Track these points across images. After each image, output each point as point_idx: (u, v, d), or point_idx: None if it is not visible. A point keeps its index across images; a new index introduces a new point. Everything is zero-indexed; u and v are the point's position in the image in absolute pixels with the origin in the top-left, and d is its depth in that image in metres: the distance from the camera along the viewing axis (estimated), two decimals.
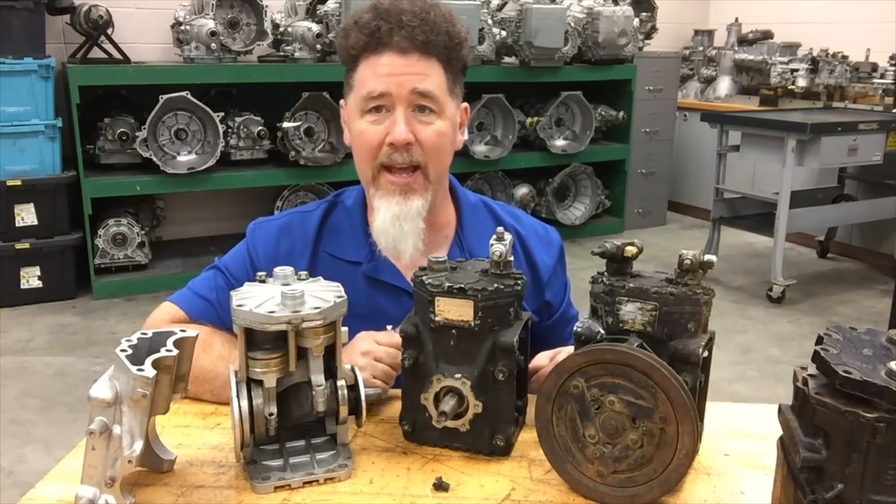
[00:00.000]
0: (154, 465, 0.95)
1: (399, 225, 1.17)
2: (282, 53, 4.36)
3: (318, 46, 4.20)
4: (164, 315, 1.20)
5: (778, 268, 4.19)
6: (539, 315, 1.28)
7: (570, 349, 1.09)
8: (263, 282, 0.97)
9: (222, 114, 4.13)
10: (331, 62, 4.34)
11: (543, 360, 1.15)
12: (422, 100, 1.16)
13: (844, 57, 5.17)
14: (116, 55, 4.07)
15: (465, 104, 1.28)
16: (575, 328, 0.95)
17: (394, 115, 1.15)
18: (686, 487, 0.93)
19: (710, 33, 6.46)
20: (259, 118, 4.24)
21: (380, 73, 1.15)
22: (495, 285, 0.96)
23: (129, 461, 0.84)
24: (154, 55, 4.44)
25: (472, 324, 0.96)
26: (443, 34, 1.16)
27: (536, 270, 1.30)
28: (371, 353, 1.09)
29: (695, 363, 0.90)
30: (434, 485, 0.93)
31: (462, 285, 0.96)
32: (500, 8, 4.93)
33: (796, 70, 5.30)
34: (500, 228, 1.00)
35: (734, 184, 4.77)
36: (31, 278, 3.92)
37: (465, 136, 4.54)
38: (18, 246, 3.84)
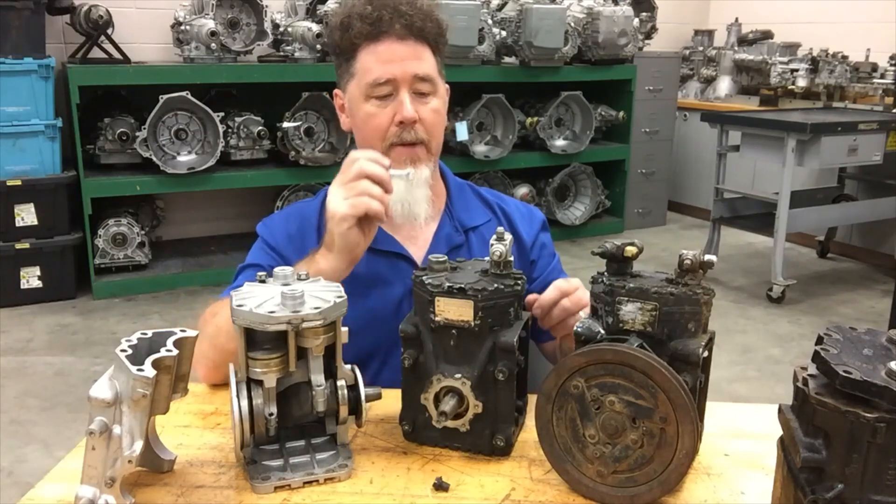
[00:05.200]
0: (154, 465, 0.95)
1: (412, 191, 1.26)
2: (282, 53, 4.36)
3: (318, 46, 4.20)
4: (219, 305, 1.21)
5: (778, 268, 4.19)
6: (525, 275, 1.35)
7: (575, 280, 1.17)
8: (263, 282, 0.97)
9: (222, 114, 4.13)
10: (331, 62, 4.33)
11: (552, 290, 1.16)
12: (421, 84, 1.25)
13: (844, 57, 5.17)
14: (116, 55, 4.07)
15: (447, 85, 1.37)
16: (575, 328, 0.95)
17: (399, 97, 1.24)
18: (686, 487, 0.93)
19: (710, 33, 6.46)
20: (259, 118, 4.24)
21: (383, 59, 1.24)
22: (495, 285, 0.96)
23: (129, 461, 0.84)
24: (154, 55, 4.44)
25: (472, 324, 0.96)
26: (433, 21, 1.27)
27: (520, 240, 1.40)
28: (334, 188, 1.13)
29: (695, 363, 0.90)
30: (434, 485, 0.93)
31: (462, 285, 0.96)
32: (500, 8, 4.93)
33: (796, 70, 5.30)
34: (501, 228, 1.01)
35: (734, 184, 4.77)
36: (31, 278, 3.92)
37: (466, 136, 4.57)
38: (18, 246, 3.84)
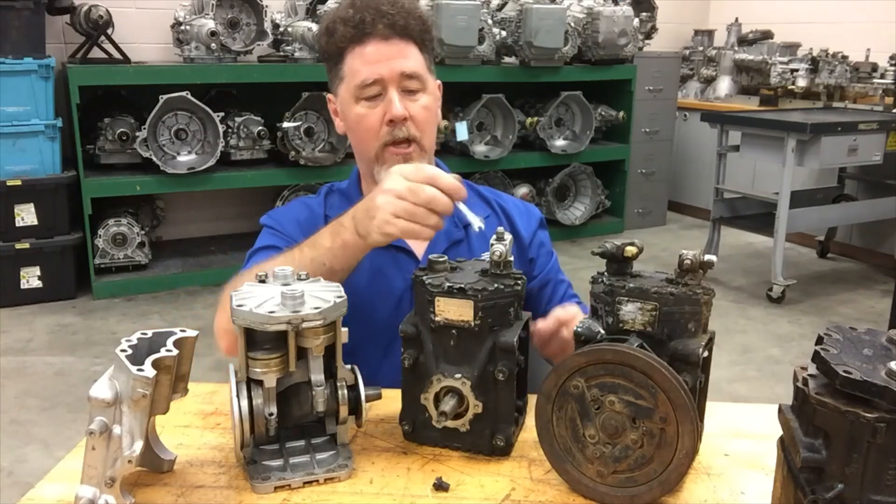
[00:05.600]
0: (154, 465, 0.95)
1: None
2: (282, 53, 4.36)
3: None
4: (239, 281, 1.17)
5: (778, 268, 4.19)
6: (525, 275, 1.36)
7: (573, 308, 1.17)
8: (263, 282, 0.97)
9: (222, 114, 4.13)
10: None
11: (541, 323, 1.17)
12: (409, 81, 1.26)
13: (844, 57, 5.17)
14: (116, 55, 4.07)
15: (439, 81, 1.37)
16: (575, 328, 0.95)
17: (388, 96, 1.25)
18: (686, 487, 0.93)
19: (710, 33, 6.46)
20: (259, 118, 4.24)
21: (369, 60, 1.24)
22: (495, 285, 0.96)
23: (129, 461, 0.84)
24: (154, 55, 4.44)
25: (472, 324, 0.96)
26: (416, 18, 1.27)
27: (516, 231, 1.40)
28: (393, 189, 1.04)
29: (695, 363, 0.90)
30: (434, 485, 0.93)
31: (462, 285, 0.96)
32: (500, 8, 4.93)
33: (796, 70, 5.30)
34: (500, 228, 1.01)
35: (734, 184, 4.77)
36: (31, 278, 3.92)
37: (466, 136, 4.57)
38: (18, 246, 3.84)
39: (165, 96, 3.89)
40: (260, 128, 4.20)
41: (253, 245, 1.34)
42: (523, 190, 5.17)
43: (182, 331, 0.92)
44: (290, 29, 4.33)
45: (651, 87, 5.56)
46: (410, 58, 1.26)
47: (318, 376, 0.93)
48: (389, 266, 1.31)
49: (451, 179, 1.05)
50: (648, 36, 5.81)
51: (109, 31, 4.07)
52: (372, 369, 1.25)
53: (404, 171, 1.06)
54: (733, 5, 6.31)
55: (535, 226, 1.44)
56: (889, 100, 4.87)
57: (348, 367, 0.98)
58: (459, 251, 1.31)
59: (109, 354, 0.90)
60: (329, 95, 1.36)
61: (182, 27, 4.09)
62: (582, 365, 0.88)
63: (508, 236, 1.00)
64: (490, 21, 4.67)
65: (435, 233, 1.05)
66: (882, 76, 4.96)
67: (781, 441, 0.80)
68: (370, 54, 1.24)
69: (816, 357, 0.74)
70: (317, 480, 0.93)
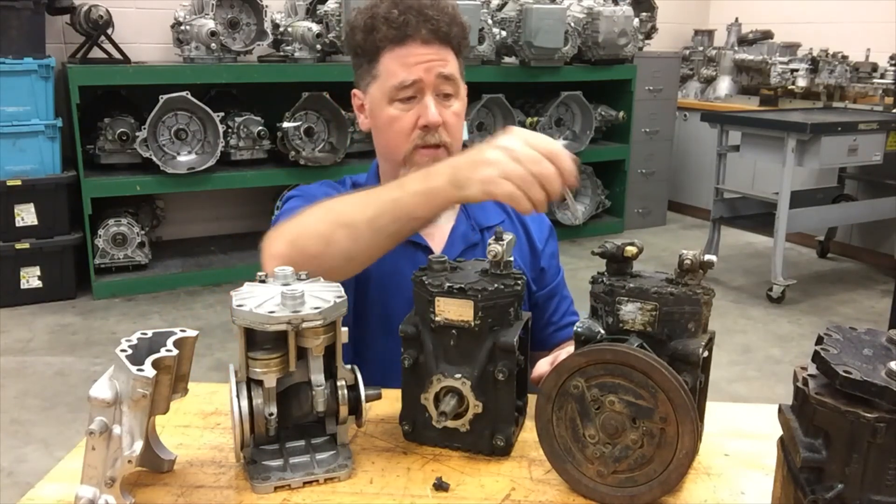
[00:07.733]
0: (154, 465, 0.95)
1: None
2: (282, 53, 4.36)
3: (318, 46, 4.20)
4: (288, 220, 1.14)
5: (778, 268, 4.19)
6: (536, 284, 1.39)
7: (569, 350, 1.11)
8: (263, 282, 0.97)
9: (222, 114, 4.14)
10: (331, 62, 4.34)
11: (545, 366, 1.16)
12: (445, 84, 1.26)
13: (844, 57, 5.17)
14: (116, 55, 4.08)
15: (465, 86, 1.38)
16: (575, 328, 0.95)
17: (424, 101, 1.25)
18: (686, 487, 0.93)
19: (710, 33, 6.46)
20: (259, 118, 4.24)
21: (409, 62, 1.24)
22: (495, 285, 0.96)
23: (129, 461, 0.84)
24: (154, 55, 4.45)
25: (472, 324, 0.96)
26: (458, 25, 1.28)
27: (531, 238, 1.41)
28: (511, 150, 0.96)
29: (695, 363, 0.90)
30: (434, 485, 0.93)
31: (462, 285, 0.96)
32: (500, 8, 4.93)
33: (796, 70, 5.30)
34: (499, 229, 1.01)
35: (734, 184, 4.77)
36: (31, 278, 3.92)
37: (466, 137, 4.56)
38: (18, 246, 3.84)
39: (165, 96, 3.89)
40: (260, 128, 4.20)
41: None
42: None
43: (182, 331, 0.92)
44: (290, 29, 4.33)
45: (651, 87, 5.56)
46: (449, 62, 1.26)
47: (318, 376, 0.93)
48: (406, 262, 1.28)
49: (571, 163, 0.96)
50: (648, 36, 5.81)
51: (109, 31, 4.07)
52: (387, 366, 1.25)
53: (528, 136, 0.98)
54: (733, 5, 6.31)
55: (547, 235, 1.44)
56: (889, 100, 4.87)
57: (348, 367, 0.98)
58: (475, 254, 1.31)
59: (109, 354, 0.90)
60: (355, 91, 1.35)
61: (182, 27, 4.09)
62: (582, 365, 0.88)
63: (507, 236, 1.00)
64: (490, 21, 4.67)
65: (532, 210, 0.97)
66: (882, 76, 4.96)
67: (781, 441, 0.80)
68: (409, 57, 1.23)
69: (816, 357, 0.74)
70: (317, 480, 0.93)
